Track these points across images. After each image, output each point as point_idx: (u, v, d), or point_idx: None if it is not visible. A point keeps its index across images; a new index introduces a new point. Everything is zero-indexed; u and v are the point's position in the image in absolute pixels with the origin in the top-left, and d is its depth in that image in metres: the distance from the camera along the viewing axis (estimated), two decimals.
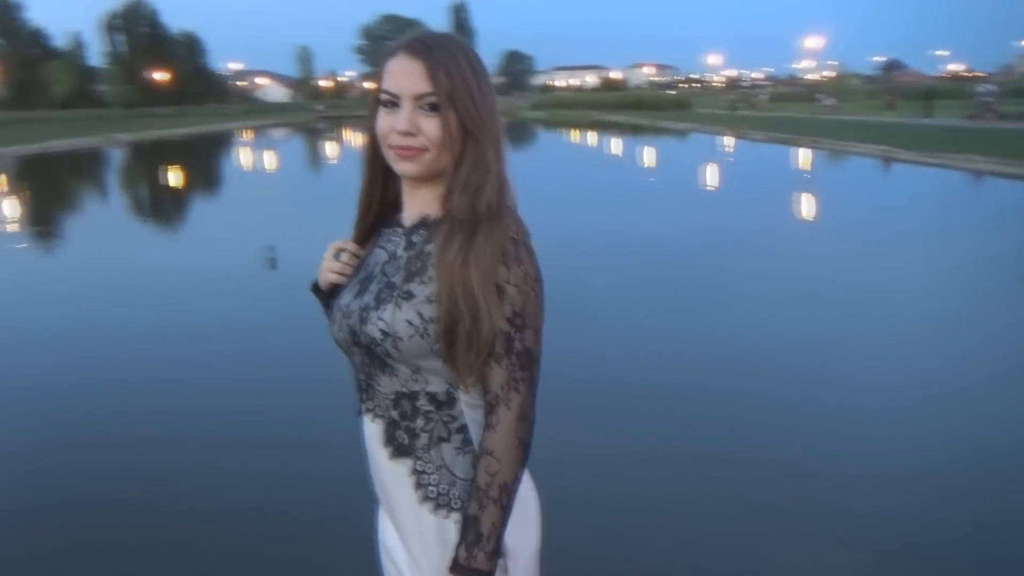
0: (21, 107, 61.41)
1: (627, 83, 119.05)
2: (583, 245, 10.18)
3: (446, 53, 1.20)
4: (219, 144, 40.05)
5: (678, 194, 16.69)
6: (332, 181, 20.81)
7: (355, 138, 44.97)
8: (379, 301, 1.23)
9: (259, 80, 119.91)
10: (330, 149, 36.29)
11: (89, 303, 8.05)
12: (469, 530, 1.19)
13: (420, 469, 1.25)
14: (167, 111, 65.17)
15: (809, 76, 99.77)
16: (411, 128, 1.20)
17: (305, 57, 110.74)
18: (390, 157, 1.25)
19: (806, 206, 14.80)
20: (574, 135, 41.14)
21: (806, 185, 18.21)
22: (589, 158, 29.37)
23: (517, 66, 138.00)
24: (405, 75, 1.20)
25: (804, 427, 4.42)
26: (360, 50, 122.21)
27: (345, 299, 1.30)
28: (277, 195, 18.32)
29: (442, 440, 1.25)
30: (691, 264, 9.44)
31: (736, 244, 10.41)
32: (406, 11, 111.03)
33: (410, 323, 1.19)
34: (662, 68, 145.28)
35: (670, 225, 12.12)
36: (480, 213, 1.19)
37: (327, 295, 1.39)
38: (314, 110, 77.81)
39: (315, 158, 32.32)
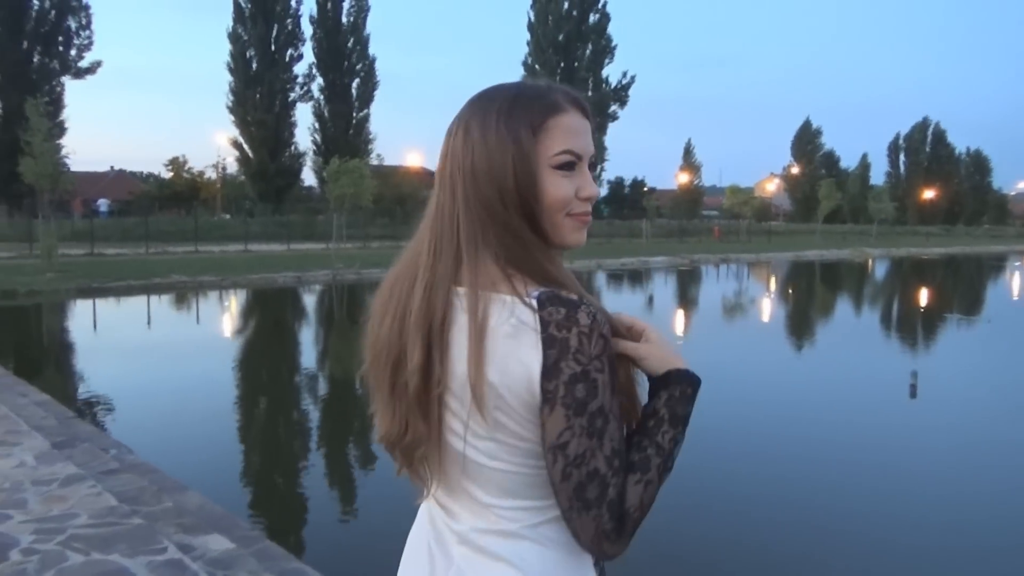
0: (798, 220, 70.28)
1: None
2: None
3: None
4: (973, 265, 37.64)
5: None
6: None
7: None
8: None
9: None
10: None
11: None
12: None
13: None
14: (933, 229, 64.45)
15: None
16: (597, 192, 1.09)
17: None
18: (566, 227, 1.07)
19: None
20: None
21: None
22: None
23: None
24: (584, 133, 1.08)
25: None
26: None
27: None
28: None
29: None
30: None
31: None
32: None
33: None
34: None
35: None
36: None
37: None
38: None
39: None
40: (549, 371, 0.96)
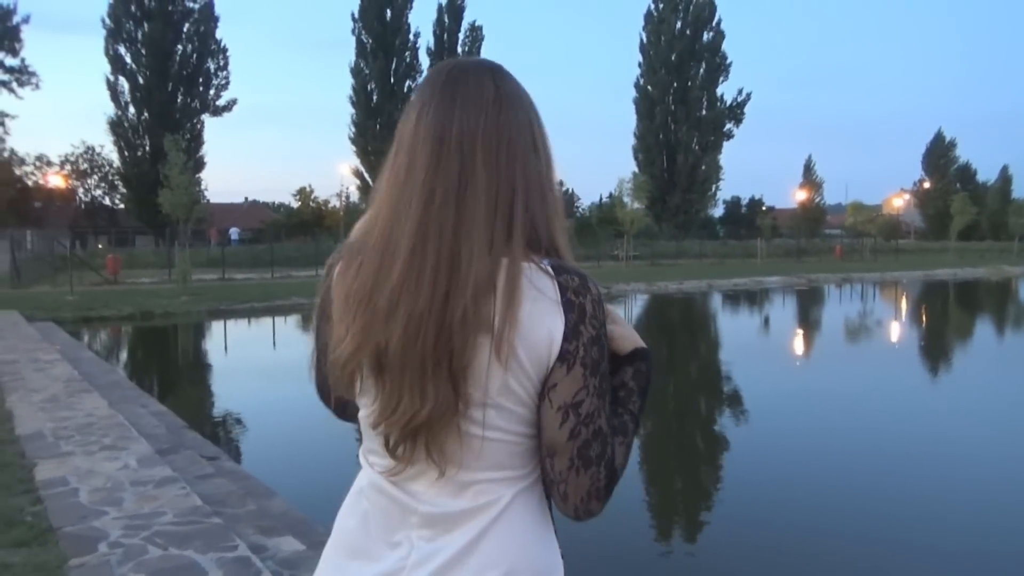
0: (931, 238, 66.33)
1: None
2: None
3: None
4: None
5: None
6: None
7: None
8: None
9: None
10: None
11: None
12: None
13: None
14: None
15: None
16: None
17: None
18: None
19: None
20: None
21: None
22: None
23: None
24: None
25: None
26: None
27: None
28: None
29: None
30: None
31: None
32: None
33: None
34: None
35: None
36: None
37: None
38: None
39: None
40: (570, 333, 1.00)
